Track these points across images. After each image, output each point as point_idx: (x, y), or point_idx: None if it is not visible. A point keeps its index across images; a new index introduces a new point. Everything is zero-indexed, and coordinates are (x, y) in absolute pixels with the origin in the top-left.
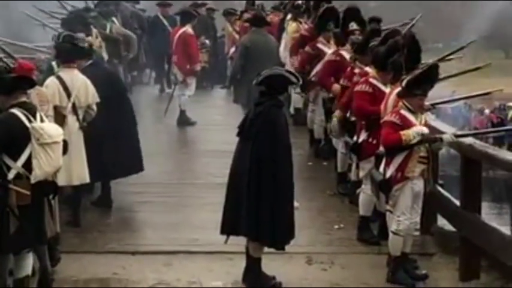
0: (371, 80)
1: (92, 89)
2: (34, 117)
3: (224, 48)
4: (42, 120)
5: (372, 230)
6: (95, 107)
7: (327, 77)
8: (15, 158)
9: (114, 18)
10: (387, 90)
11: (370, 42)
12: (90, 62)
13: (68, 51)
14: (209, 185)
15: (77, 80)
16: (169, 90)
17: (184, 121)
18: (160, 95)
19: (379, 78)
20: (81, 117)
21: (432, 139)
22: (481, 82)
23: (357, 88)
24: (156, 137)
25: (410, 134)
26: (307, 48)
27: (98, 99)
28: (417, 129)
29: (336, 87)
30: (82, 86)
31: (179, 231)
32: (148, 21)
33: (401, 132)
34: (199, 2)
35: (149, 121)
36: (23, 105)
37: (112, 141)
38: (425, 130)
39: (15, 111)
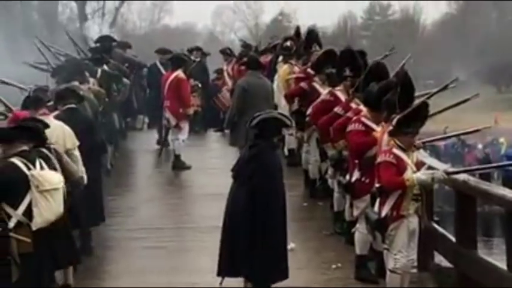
0: (363, 119)
1: (69, 133)
2: (34, 165)
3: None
4: (42, 168)
5: (369, 269)
6: (76, 153)
7: (319, 116)
8: (15, 206)
9: (105, 66)
10: (379, 129)
11: (363, 80)
12: (66, 106)
13: (39, 99)
14: (207, 228)
15: (52, 125)
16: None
17: (179, 165)
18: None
19: (371, 118)
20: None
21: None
22: (473, 117)
23: (350, 127)
24: (151, 182)
25: (414, 181)
26: (302, 84)
27: (77, 143)
28: (421, 179)
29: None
30: (58, 132)
31: (179, 275)
32: (141, 66)
33: (406, 177)
34: (194, 46)
35: (144, 166)
36: (23, 154)
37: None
38: (427, 179)
39: (14, 160)
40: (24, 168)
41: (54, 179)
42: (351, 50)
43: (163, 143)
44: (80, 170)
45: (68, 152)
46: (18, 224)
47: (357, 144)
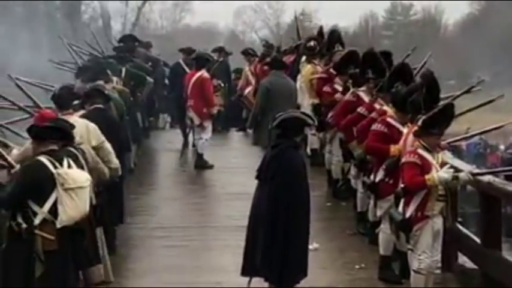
0: (388, 119)
1: (93, 130)
2: (61, 163)
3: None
4: (70, 166)
5: (393, 269)
6: (106, 145)
7: (342, 117)
8: (41, 204)
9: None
10: (405, 130)
11: (388, 81)
12: (93, 106)
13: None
14: (229, 228)
15: (77, 124)
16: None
17: (202, 165)
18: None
19: (397, 118)
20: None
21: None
22: (496, 118)
23: (373, 127)
24: (174, 180)
25: (435, 180)
26: (326, 88)
27: (103, 138)
28: (443, 177)
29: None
30: (82, 129)
31: (201, 274)
32: (164, 65)
33: (427, 177)
34: (218, 46)
35: (167, 165)
36: (51, 153)
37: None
38: (449, 177)
39: (41, 158)
40: (51, 167)
41: (80, 177)
42: (374, 52)
43: (185, 142)
44: (114, 162)
45: (97, 148)
46: (44, 221)
47: (371, 145)
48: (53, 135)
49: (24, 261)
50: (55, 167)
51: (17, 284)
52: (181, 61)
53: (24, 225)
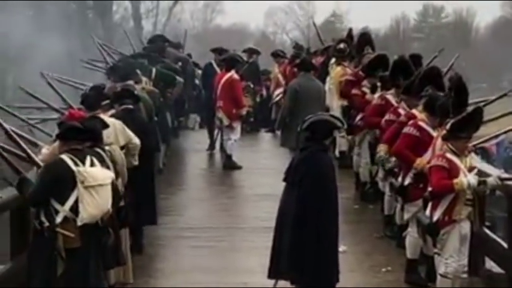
0: (420, 123)
1: (121, 129)
2: (83, 162)
3: (268, 91)
4: (92, 165)
5: (419, 273)
6: (135, 141)
7: (374, 118)
8: (62, 202)
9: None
10: (435, 134)
11: (420, 85)
12: (123, 107)
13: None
14: (257, 229)
15: None
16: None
17: (230, 165)
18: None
19: (429, 122)
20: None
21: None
22: None
23: (405, 130)
24: (203, 181)
25: (464, 184)
26: (354, 91)
27: (130, 138)
28: (471, 181)
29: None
30: (110, 129)
31: (229, 275)
32: (194, 65)
33: (455, 181)
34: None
35: (196, 166)
36: (74, 151)
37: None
38: (475, 182)
39: (63, 156)
40: (72, 165)
41: (101, 175)
42: (405, 59)
43: (211, 143)
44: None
45: (126, 145)
46: (65, 219)
47: (399, 150)
48: (77, 136)
49: (47, 259)
50: (76, 165)
51: (40, 282)
52: (212, 62)
53: (46, 224)
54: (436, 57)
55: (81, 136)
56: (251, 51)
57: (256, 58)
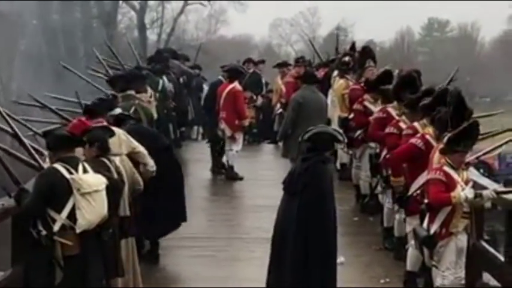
0: (428, 137)
1: (123, 137)
2: (76, 169)
3: (270, 103)
4: (85, 171)
5: (417, 285)
6: (140, 149)
7: (376, 132)
8: (59, 210)
9: (164, 76)
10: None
11: (422, 99)
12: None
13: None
14: (257, 239)
15: None
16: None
17: (232, 176)
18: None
19: (435, 137)
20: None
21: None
22: None
23: (412, 140)
24: (204, 191)
25: (461, 197)
26: (356, 106)
27: (133, 148)
28: (468, 195)
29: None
30: (114, 139)
31: (229, 285)
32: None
33: (452, 195)
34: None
35: (197, 176)
36: (66, 159)
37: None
38: (472, 195)
39: (56, 165)
40: (66, 173)
41: (95, 181)
42: (413, 75)
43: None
44: (150, 164)
45: (131, 154)
46: (63, 227)
47: (397, 158)
48: (67, 144)
49: (45, 268)
50: (70, 173)
51: None
52: (221, 78)
53: (44, 232)
54: (453, 78)
55: (70, 144)
56: (250, 62)
57: (257, 68)
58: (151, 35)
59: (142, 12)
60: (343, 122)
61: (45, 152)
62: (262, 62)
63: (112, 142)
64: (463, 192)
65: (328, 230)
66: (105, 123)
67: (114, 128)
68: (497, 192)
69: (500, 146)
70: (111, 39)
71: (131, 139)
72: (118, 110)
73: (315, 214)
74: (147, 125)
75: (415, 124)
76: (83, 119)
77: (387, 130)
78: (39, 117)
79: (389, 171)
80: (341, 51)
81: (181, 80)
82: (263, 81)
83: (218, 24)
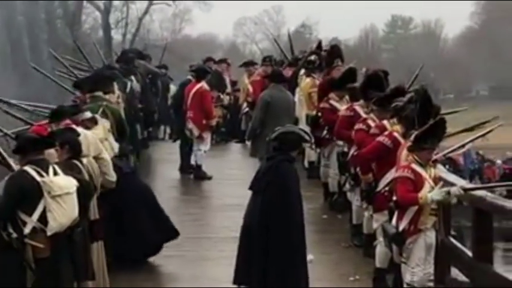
0: (395, 134)
1: (92, 140)
2: (46, 172)
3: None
4: (56, 174)
5: (386, 281)
6: (104, 156)
7: (343, 130)
8: (29, 213)
9: (132, 77)
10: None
11: (392, 98)
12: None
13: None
14: (226, 239)
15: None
16: None
17: (200, 176)
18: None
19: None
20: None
21: None
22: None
23: (379, 138)
24: (172, 191)
25: (427, 199)
26: (323, 105)
27: (99, 153)
28: (435, 199)
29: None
30: (82, 140)
31: (198, 284)
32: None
33: (419, 195)
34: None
35: (165, 176)
36: (35, 162)
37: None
38: (440, 197)
39: (26, 168)
40: (36, 176)
41: (65, 183)
42: (379, 74)
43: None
44: (111, 174)
45: (96, 158)
46: (34, 230)
47: (366, 155)
48: (35, 147)
49: (16, 271)
50: (41, 176)
51: None
52: (190, 77)
53: (14, 235)
54: (417, 76)
55: (39, 146)
56: (209, 60)
57: (219, 67)
58: (116, 35)
59: (107, 12)
60: (313, 121)
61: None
62: (223, 61)
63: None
64: (429, 195)
65: (291, 227)
66: (71, 125)
67: (84, 130)
68: (465, 189)
69: (471, 141)
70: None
71: (100, 144)
72: (88, 113)
73: (278, 210)
74: (114, 125)
75: (384, 122)
76: (45, 122)
77: (356, 127)
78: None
79: (358, 169)
80: (307, 50)
81: (147, 80)
82: (226, 79)
83: (183, 24)
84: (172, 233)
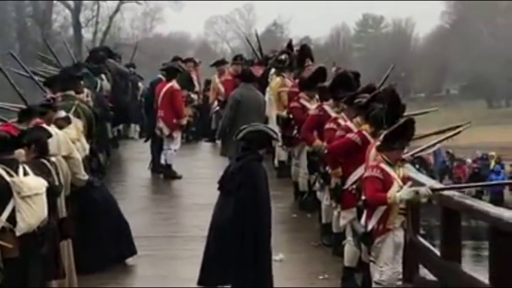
0: (365, 132)
1: (62, 139)
2: (16, 172)
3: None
4: (26, 174)
5: (355, 280)
6: (75, 155)
7: (309, 132)
8: None
9: (103, 75)
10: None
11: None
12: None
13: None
14: (196, 238)
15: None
16: None
17: (170, 175)
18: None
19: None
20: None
21: None
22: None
23: (349, 135)
24: (142, 190)
25: (396, 199)
26: (293, 104)
27: (70, 152)
28: (404, 198)
29: (318, 142)
30: (52, 139)
31: (168, 284)
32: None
33: (388, 195)
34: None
35: (135, 175)
36: (5, 162)
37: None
38: (409, 197)
39: None
40: (6, 176)
41: (35, 184)
42: (347, 74)
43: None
44: (82, 173)
45: (66, 157)
46: (3, 230)
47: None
48: (5, 147)
49: None
50: (10, 176)
51: None
52: (161, 77)
53: None
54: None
55: (9, 146)
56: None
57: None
58: (87, 34)
59: (77, 10)
60: (284, 121)
61: None
62: (190, 60)
63: (50, 142)
64: (398, 194)
65: (264, 228)
66: (42, 124)
67: (55, 129)
68: (433, 190)
69: (439, 142)
70: (47, 38)
71: (71, 144)
72: (62, 112)
73: (250, 212)
74: (86, 125)
75: (348, 124)
76: (12, 121)
77: (326, 126)
78: None
79: (327, 168)
80: (277, 49)
81: (117, 78)
82: (194, 78)
83: (154, 22)
84: (131, 250)
